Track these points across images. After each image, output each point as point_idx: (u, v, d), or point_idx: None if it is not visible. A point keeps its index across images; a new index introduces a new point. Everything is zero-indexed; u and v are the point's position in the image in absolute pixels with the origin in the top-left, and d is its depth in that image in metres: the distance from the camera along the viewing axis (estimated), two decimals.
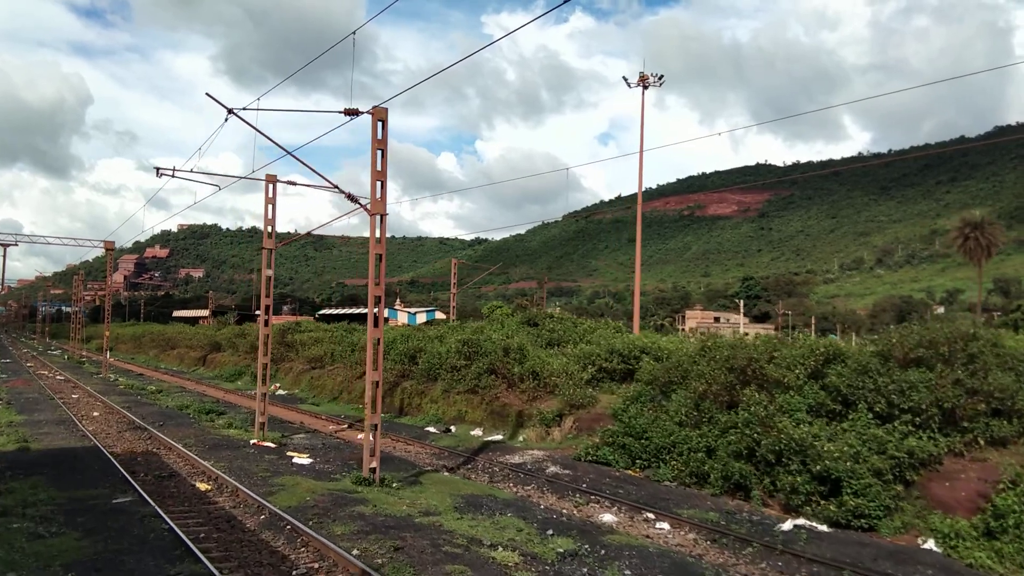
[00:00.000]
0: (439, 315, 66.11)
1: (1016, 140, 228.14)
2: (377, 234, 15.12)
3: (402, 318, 58.47)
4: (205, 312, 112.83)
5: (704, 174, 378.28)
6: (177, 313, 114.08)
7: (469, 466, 19.33)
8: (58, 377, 46.64)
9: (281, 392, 37.73)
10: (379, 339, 15.35)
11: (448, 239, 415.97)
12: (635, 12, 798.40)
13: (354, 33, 14.68)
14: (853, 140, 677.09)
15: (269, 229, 21.17)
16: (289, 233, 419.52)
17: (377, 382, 15.67)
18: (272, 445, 20.43)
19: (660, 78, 34.71)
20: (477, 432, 24.36)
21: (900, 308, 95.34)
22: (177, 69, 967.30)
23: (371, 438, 15.38)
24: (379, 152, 15.16)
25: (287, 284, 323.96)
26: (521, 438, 22.96)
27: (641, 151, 33.44)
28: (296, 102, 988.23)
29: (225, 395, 37.11)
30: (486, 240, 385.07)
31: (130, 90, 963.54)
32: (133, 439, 21.75)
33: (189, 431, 23.11)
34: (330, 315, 69.21)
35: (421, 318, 60.19)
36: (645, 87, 34.81)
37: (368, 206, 15.13)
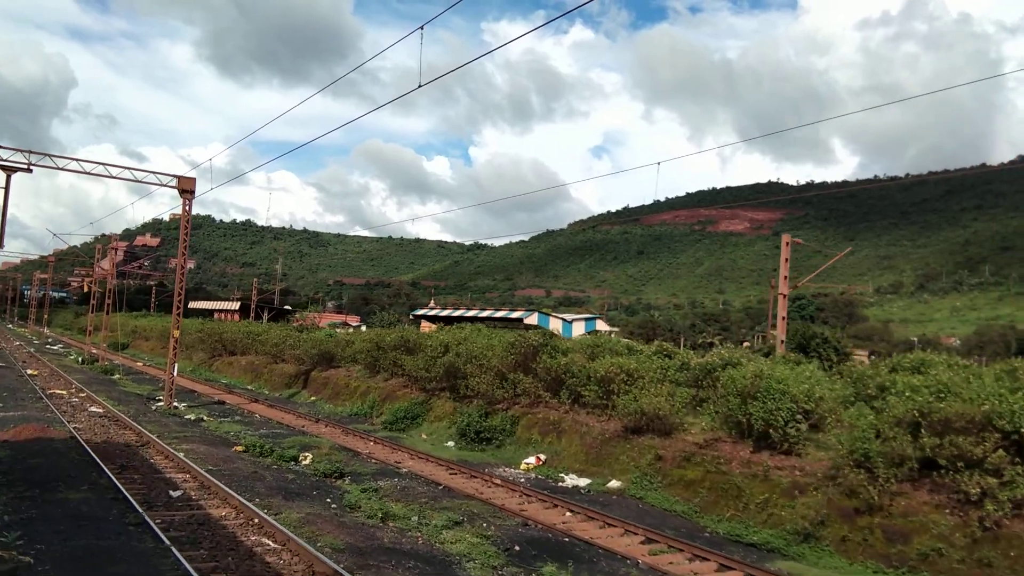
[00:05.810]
0: (600, 325, 53.64)
1: None
2: None
3: (554, 325, 44.71)
4: (228, 305, 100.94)
5: (715, 189, 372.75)
6: (193, 304, 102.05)
7: None
8: (91, 408, 28.19)
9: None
10: None
11: (447, 242, 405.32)
12: (628, 23, 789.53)
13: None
14: (843, 164, 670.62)
15: None
16: (285, 229, 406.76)
17: None
18: None
19: None
20: None
21: (1011, 339, 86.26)
22: (173, 58, 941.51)
23: None
24: None
25: (281, 281, 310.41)
26: None
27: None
28: (280, 95, 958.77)
29: (477, 486, 18.00)
30: (485, 245, 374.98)
31: (122, 76, 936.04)
32: None
33: None
34: (427, 316, 56.36)
35: (579, 328, 46.74)
36: None
37: None
